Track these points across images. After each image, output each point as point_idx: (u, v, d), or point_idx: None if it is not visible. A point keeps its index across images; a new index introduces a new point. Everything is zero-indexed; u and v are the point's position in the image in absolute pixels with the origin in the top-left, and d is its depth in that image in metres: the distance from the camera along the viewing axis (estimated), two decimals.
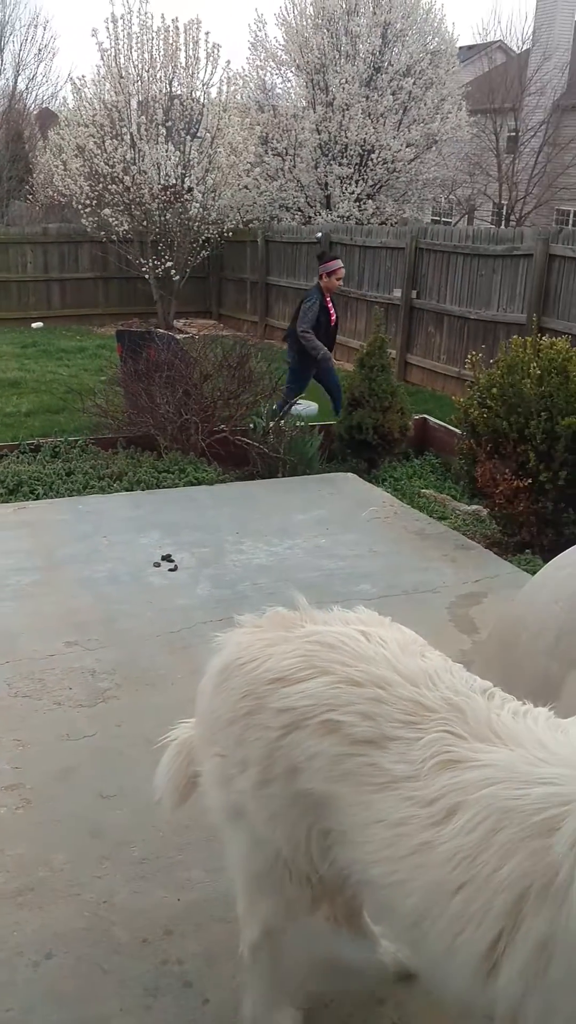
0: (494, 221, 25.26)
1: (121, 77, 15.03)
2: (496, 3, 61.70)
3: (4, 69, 26.49)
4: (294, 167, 18.59)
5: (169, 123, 15.06)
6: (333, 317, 9.00)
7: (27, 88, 27.33)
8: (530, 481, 5.37)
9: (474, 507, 6.60)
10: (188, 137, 15.20)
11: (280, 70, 20.03)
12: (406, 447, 7.71)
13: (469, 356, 6.23)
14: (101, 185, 15.23)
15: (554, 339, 5.65)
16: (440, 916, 1.58)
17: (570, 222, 24.68)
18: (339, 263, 8.95)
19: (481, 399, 5.66)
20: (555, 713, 1.74)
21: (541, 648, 2.88)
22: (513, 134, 24.86)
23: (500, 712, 1.70)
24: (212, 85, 15.61)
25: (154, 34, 15.01)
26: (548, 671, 2.78)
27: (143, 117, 14.97)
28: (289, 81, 20.09)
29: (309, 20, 18.78)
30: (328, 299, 8.83)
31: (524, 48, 26.70)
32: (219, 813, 2.04)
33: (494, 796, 1.55)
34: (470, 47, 28.92)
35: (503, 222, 24.13)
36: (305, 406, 9.18)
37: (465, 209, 26.04)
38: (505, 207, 24.33)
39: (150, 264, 15.45)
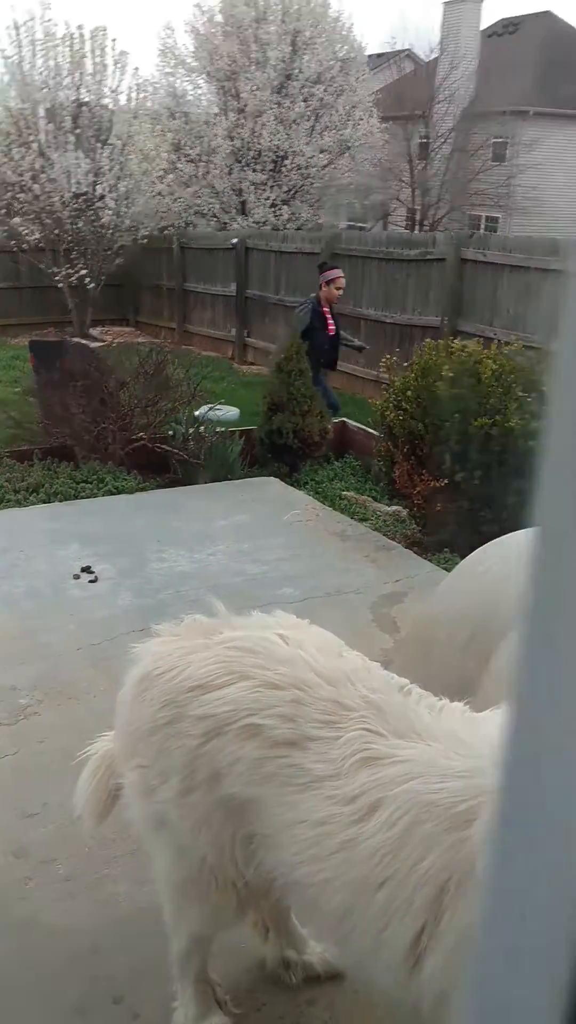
0: (408, 226, 25.66)
1: (26, 84, 14.82)
2: (403, 13, 62.72)
3: None
4: (208, 173, 18.59)
5: (78, 130, 14.89)
6: (332, 328, 8.55)
7: None
8: (446, 481, 5.46)
9: (394, 508, 6.69)
10: (98, 144, 15.05)
11: (191, 77, 20.01)
12: (327, 450, 7.76)
13: (384, 360, 6.32)
14: (9, 194, 14.97)
15: (466, 342, 5.77)
16: (365, 912, 1.59)
17: (482, 227, 25.24)
18: (338, 272, 8.67)
19: (397, 402, 5.74)
20: (471, 708, 1.78)
21: (456, 645, 2.93)
22: (424, 140, 25.31)
23: (417, 709, 1.73)
24: (121, 92, 15.50)
25: (59, 41, 14.83)
26: (464, 668, 2.83)
27: (51, 125, 14.77)
28: (200, 88, 20.09)
29: (218, 27, 18.81)
30: (327, 309, 8.51)
31: (432, 57, 27.21)
32: (143, 824, 2.02)
33: (413, 791, 1.57)
34: (379, 55, 29.33)
35: (416, 227, 24.54)
36: (225, 411, 9.17)
37: (380, 214, 26.39)
38: (418, 212, 24.74)
39: (63, 273, 15.24)
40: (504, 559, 3.14)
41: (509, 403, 5.29)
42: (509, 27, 28.42)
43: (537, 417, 5.31)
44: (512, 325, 10.34)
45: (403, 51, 29.90)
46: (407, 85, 25.90)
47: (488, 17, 37.72)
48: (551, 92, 26.05)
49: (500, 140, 25.61)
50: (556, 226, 21.15)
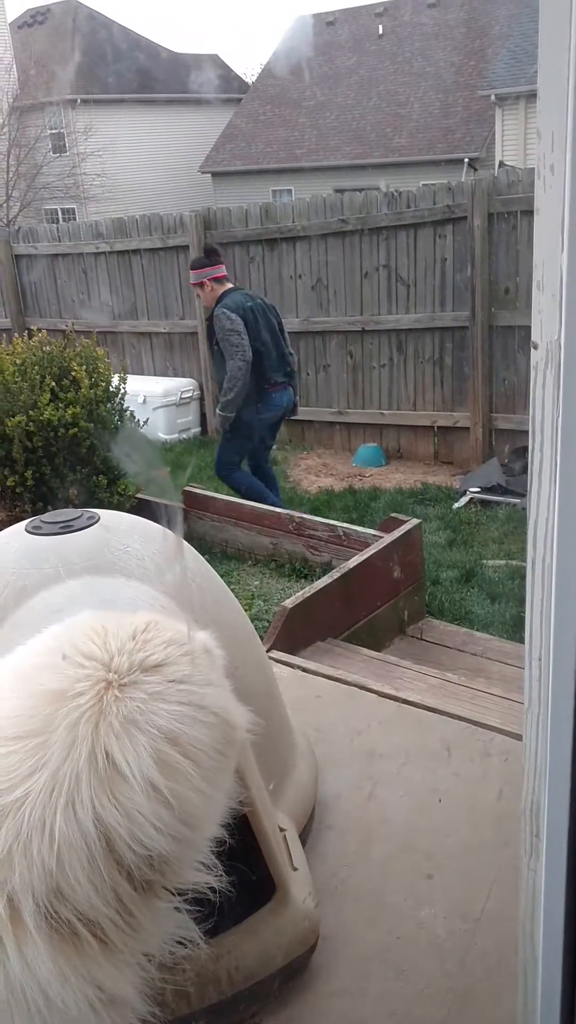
0: None
1: None
2: None
3: None
4: None
5: None
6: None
7: None
8: (0, 488, 5.19)
9: None
10: None
11: None
12: None
13: None
14: None
15: None
16: None
17: (59, 219, 24.84)
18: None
19: None
20: None
21: None
22: None
23: None
24: None
25: None
26: None
27: None
28: None
29: None
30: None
31: None
32: None
33: None
34: None
35: None
36: None
37: None
38: None
39: None
40: None
41: (40, 396, 5.12)
42: (38, 17, 28.00)
43: (72, 404, 5.19)
44: (80, 313, 10.22)
45: None
46: None
47: (14, 8, 37.02)
48: (93, 78, 26.14)
49: (56, 131, 25.28)
50: (132, 206, 21.34)
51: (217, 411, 5.96)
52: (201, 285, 5.88)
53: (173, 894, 1.01)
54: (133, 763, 0.91)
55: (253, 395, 5.74)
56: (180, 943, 1.07)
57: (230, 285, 5.92)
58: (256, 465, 6.25)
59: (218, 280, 5.83)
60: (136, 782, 0.90)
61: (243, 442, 5.98)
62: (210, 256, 5.98)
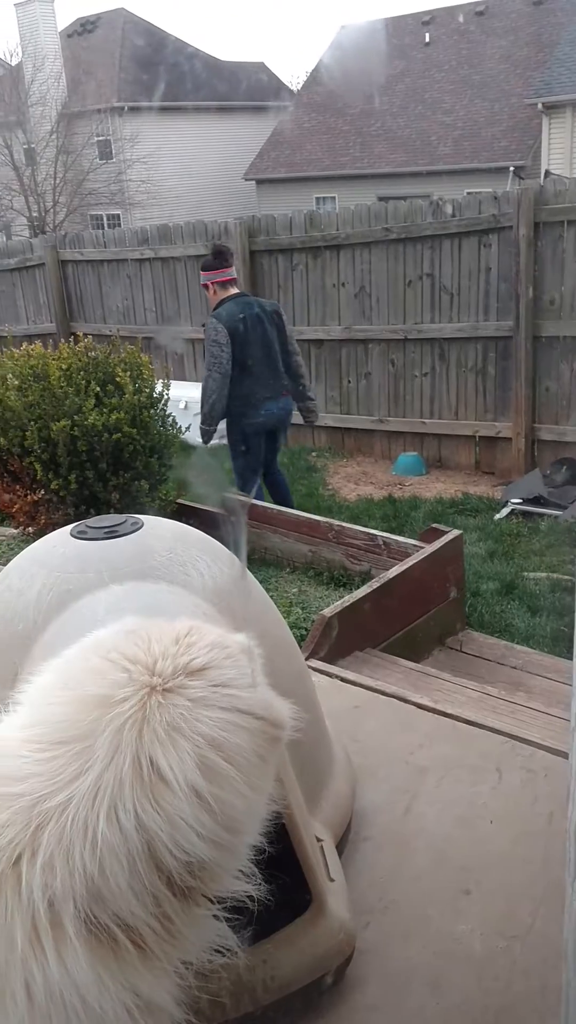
0: (32, 234, 24.98)
1: None
2: None
3: None
4: None
5: None
6: None
7: None
8: (43, 492, 5.25)
9: (17, 529, 6.37)
10: None
11: None
12: None
13: None
14: None
15: (32, 345, 5.55)
16: None
17: (104, 225, 25.14)
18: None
19: None
20: None
21: None
22: (27, 146, 24.68)
23: None
24: None
25: None
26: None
27: None
28: None
29: None
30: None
31: (17, 61, 26.54)
32: None
33: None
34: None
35: (39, 234, 23.93)
36: None
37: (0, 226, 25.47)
38: (36, 219, 24.14)
39: None
40: (21, 571, 2.98)
41: (85, 401, 5.16)
42: (87, 26, 28.38)
43: (116, 409, 5.24)
44: (124, 318, 10.32)
45: None
46: None
47: (64, 17, 37.50)
48: (139, 86, 26.42)
49: (102, 138, 25.60)
50: (178, 211, 21.51)
51: (200, 425, 5.87)
52: (206, 287, 5.82)
53: (212, 902, 1.01)
54: (176, 769, 0.91)
55: (244, 406, 5.68)
56: (218, 951, 1.07)
57: (235, 291, 5.79)
58: (265, 471, 6.16)
59: (223, 284, 5.72)
60: (179, 788, 0.90)
61: (248, 456, 5.87)
62: (217, 258, 5.78)
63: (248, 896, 1.06)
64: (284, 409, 5.90)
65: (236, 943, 1.08)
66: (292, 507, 5.85)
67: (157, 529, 1.73)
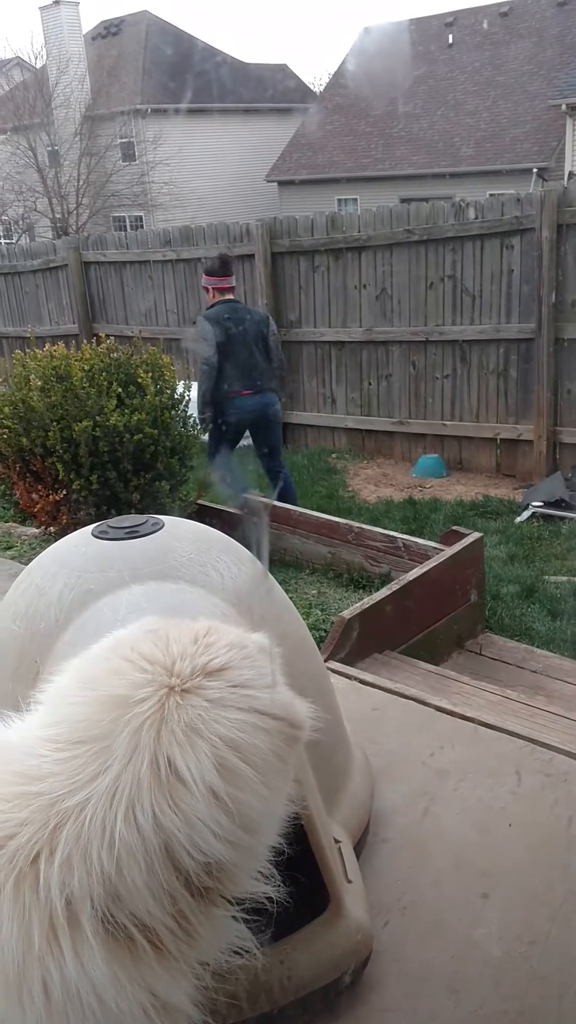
0: (55, 236, 25.13)
1: None
2: None
3: None
4: None
5: None
6: None
7: None
8: (65, 492, 5.28)
9: (40, 529, 6.41)
10: None
11: None
12: None
13: None
14: None
15: (55, 346, 5.59)
16: None
17: (127, 227, 25.25)
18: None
19: None
20: None
21: (7, 672, 2.74)
22: (51, 148, 24.85)
23: None
24: None
25: None
26: (14, 694, 2.65)
27: None
28: None
29: None
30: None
31: (42, 64, 26.72)
32: None
33: None
34: None
35: (62, 235, 24.07)
36: None
37: (23, 228, 25.63)
38: (59, 221, 24.29)
39: None
40: (43, 570, 3.00)
41: (107, 402, 5.19)
42: (111, 28, 28.53)
43: (138, 410, 5.26)
44: (146, 320, 10.35)
45: (11, 60, 29.12)
46: (21, 93, 25.25)
47: (89, 20, 37.73)
48: (163, 88, 26.51)
49: (126, 140, 25.72)
50: (199, 214, 21.57)
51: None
52: (206, 290, 6.35)
53: (230, 902, 1.01)
54: (194, 770, 0.91)
55: (217, 402, 6.12)
56: (236, 952, 1.07)
57: (230, 297, 6.27)
58: (266, 469, 6.54)
59: (220, 290, 6.22)
60: (197, 788, 0.91)
61: (217, 444, 6.28)
62: (222, 266, 6.26)
63: (267, 897, 1.06)
64: (260, 404, 6.27)
65: (254, 944, 1.09)
66: (296, 501, 6.28)
67: (178, 530, 1.73)
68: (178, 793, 0.91)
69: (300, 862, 1.48)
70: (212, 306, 6.22)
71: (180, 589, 1.59)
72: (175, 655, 1.00)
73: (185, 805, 0.90)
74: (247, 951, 1.08)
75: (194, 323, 6.49)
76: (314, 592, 4.97)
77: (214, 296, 6.22)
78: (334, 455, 8.79)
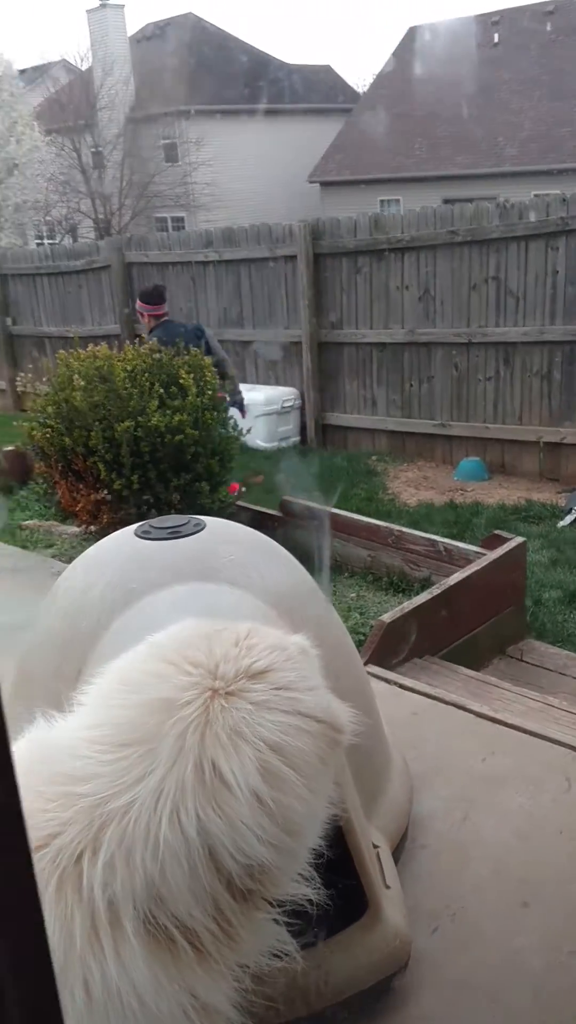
0: (97, 236, 25.35)
1: None
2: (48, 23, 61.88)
3: None
4: None
5: None
6: None
7: None
8: (107, 492, 5.32)
9: (81, 528, 6.47)
10: None
11: None
12: (5, 481, 7.41)
13: (19, 376, 6.06)
14: None
15: (97, 346, 5.64)
16: None
17: (169, 227, 25.39)
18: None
19: (42, 419, 5.52)
20: None
21: (50, 670, 2.77)
22: (95, 149, 25.07)
23: None
24: None
25: None
26: (57, 692, 2.67)
27: None
28: None
29: None
30: None
31: (87, 66, 26.97)
32: None
33: None
34: (35, 68, 28.66)
35: (104, 236, 24.28)
36: None
37: (66, 229, 25.89)
38: (101, 221, 24.50)
39: None
40: (87, 569, 3.02)
41: (149, 402, 5.22)
42: (156, 30, 28.71)
43: (179, 411, 5.28)
44: (188, 320, 10.38)
45: (56, 62, 29.43)
46: (66, 96, 25.51)
47: (134, 22, 37.95)
48: (206, 90, 26.61)
49: (169, 141, 25.86)
50: (241, 215, 21.63)
51: None
52: (141, 315, 7.01)
53: (272, 905, 1.01)
54: (239, 774, 0.91)
55: None
56: (275, 955, 1.07)
57: (166, 319, 6.90)
58: None
59: (155, 316, 6.85)
60: (241, 792, 0.91)
61: None
62: (158, 296, 6.94)
63: (307, 899, 1.06)
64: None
65: (294, 947, 1.08)
66: None
67: (220, 531, 1.74)
68: (222, 797, 0.91)
69: (339, 866, 1.47)
70: (152, 329, 6.77)
71: (221, 590, 1.59)
72: (218, 658, 1.00)
73: (229, 809, 0.90)
74: (286, 954, 1.08)
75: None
76: (353, 595, 4.96)
77: (150, 321, 6.86)
78: (374, 457, 8.76)
